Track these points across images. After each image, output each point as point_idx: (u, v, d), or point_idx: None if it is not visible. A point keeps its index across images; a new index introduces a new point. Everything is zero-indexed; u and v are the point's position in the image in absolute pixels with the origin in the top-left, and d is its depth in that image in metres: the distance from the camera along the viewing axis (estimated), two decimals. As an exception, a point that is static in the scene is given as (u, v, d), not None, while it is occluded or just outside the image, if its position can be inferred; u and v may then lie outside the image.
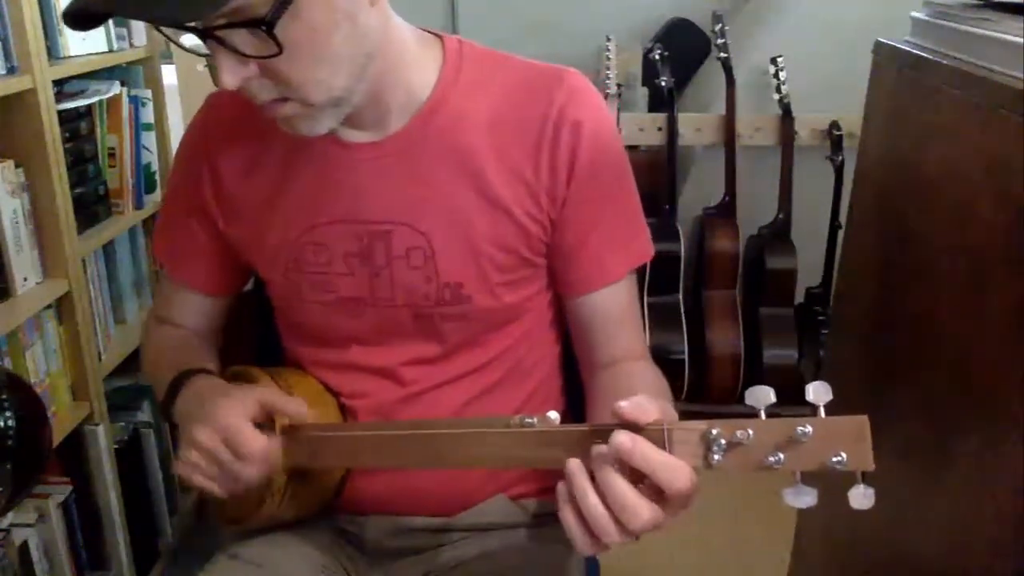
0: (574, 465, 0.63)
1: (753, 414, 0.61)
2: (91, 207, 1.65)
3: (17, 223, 1.40)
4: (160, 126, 1.87)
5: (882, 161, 1.10)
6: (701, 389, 2.36)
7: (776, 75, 2.30)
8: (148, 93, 1.81)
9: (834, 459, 0.58)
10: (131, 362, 1.73)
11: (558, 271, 0.92)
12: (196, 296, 1.01)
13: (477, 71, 0.88)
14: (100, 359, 1.63)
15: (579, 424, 0.69)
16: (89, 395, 1.57)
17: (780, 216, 2.34)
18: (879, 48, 1.11)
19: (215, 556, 0.95)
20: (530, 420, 0.69)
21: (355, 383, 0.94)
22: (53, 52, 1.51)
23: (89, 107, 1.65)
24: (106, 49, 1.67)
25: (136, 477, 1.77)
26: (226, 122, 0.93)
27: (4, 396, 1.18)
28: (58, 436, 1.45)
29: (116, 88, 1.70)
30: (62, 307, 1.52)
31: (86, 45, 1.60)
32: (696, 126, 2.39)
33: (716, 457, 0.61)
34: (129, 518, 1.68)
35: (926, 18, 1.02)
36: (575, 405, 1.02)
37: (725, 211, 2.39)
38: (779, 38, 2.35)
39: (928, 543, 0.87)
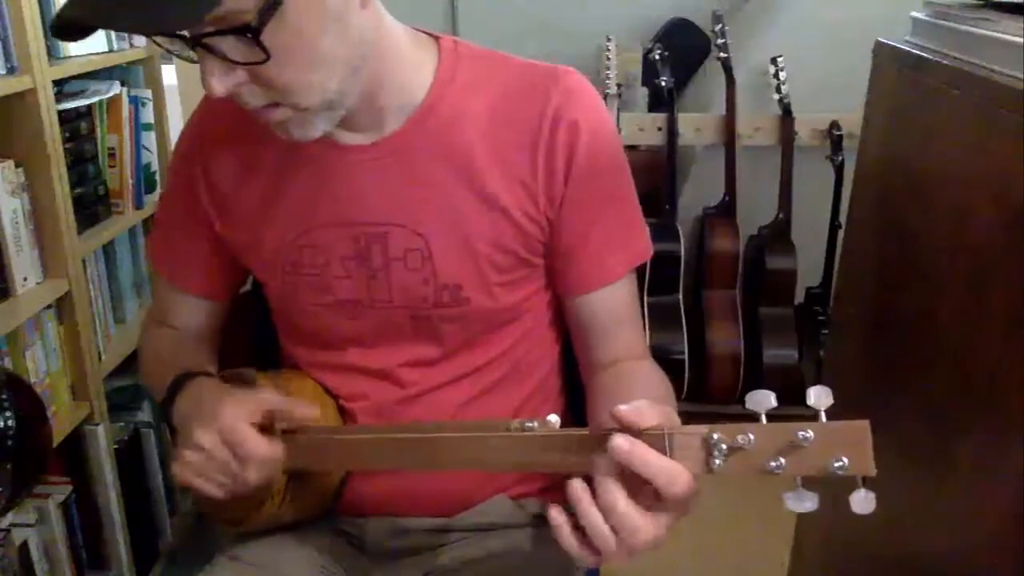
0: (578, 489, 0.63)
1: (753, 417, 0.61)
2: (91, 207, 1.65)
3: (17, 223, 1.40)
4: (160, 126, 1.87)
5: (882, 161, 1.10)
6: (701, 389, 2.36)
7: (776, 75, 2.30)
8: (148, 93, 1.82)
9: (835, 464, 0.58)
10: (131, 362, 1.73)
11: (557, 271, 0.92)
12: (193, 299, 1.00)
13: (473, 71, 0.88)
14: (100, 359, 1.63)
15: (580, 428, 0.69)
16: (89, 395, 1.57)
17: (780, 216, 2.34)
18: (879, 48, 1.11)
19: (215, 557, 0.95)
20: (531, 424, 0.69)
21: (354, 385, 0.94)
22: (53, 52, 1.51)
23: (89, 107, 1.65)
24: (106, 49, 1.67)
25: (136, 477, 1.77)
26: (221, 124, 0.92)
27: (4, 396, 1.19)
28: (58, 436, 1.45)
29: (116, 88, 1.70)
30: (62, 307, 1.52)
31: (86, 45, 1.60)
32: (696, 126, 2.39)
33: (717, 462, 0.60)
34: (129, 518, 1.68)
35: (926, 18, 1.02)
36: (575, 405, 1.01)
37: (725, 211, 2.39)
38: (779, 38, 2.35)
39: (928, 544, 0.87)
